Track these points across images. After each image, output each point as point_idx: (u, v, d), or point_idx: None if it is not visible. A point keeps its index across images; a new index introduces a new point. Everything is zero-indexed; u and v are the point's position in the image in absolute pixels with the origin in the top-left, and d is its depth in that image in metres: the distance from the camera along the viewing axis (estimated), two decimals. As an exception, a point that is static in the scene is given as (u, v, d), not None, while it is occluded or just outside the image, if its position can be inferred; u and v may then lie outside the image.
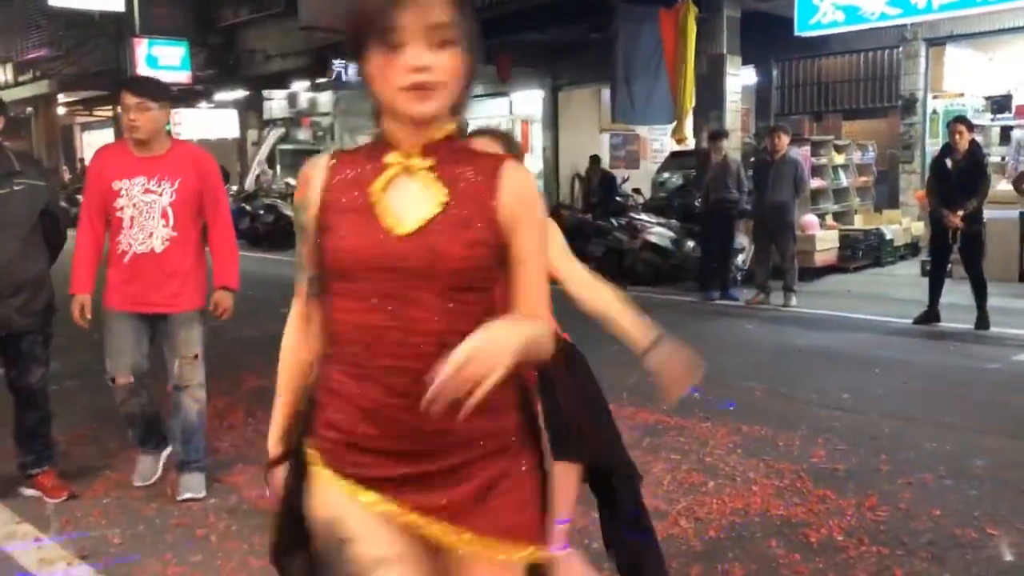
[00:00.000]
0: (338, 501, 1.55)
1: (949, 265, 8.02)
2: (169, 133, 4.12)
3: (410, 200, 1.49)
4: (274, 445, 1.76)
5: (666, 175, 15.48)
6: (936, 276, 7.77)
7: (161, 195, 3.83)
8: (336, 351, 1.55)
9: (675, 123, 11.62)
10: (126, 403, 3.99)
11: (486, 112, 20.23)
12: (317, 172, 1.55)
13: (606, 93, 13.98)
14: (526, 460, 1.59)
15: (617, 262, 11.20)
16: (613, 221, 11.47)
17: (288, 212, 17.19)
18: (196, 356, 4.07)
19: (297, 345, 1.71)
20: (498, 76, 15.97)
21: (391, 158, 1.51)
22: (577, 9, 12.58)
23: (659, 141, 18.71)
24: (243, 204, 18.26)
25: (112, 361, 3.92)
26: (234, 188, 20.50)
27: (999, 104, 12.66)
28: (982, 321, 7.46)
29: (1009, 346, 6.92)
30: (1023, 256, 10.01)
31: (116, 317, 3.91)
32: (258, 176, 20.47)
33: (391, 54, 1.42)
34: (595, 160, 15.38)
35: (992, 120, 12.72)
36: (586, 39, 14.63)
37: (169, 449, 4.19)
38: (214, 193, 4.01)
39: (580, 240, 11.63)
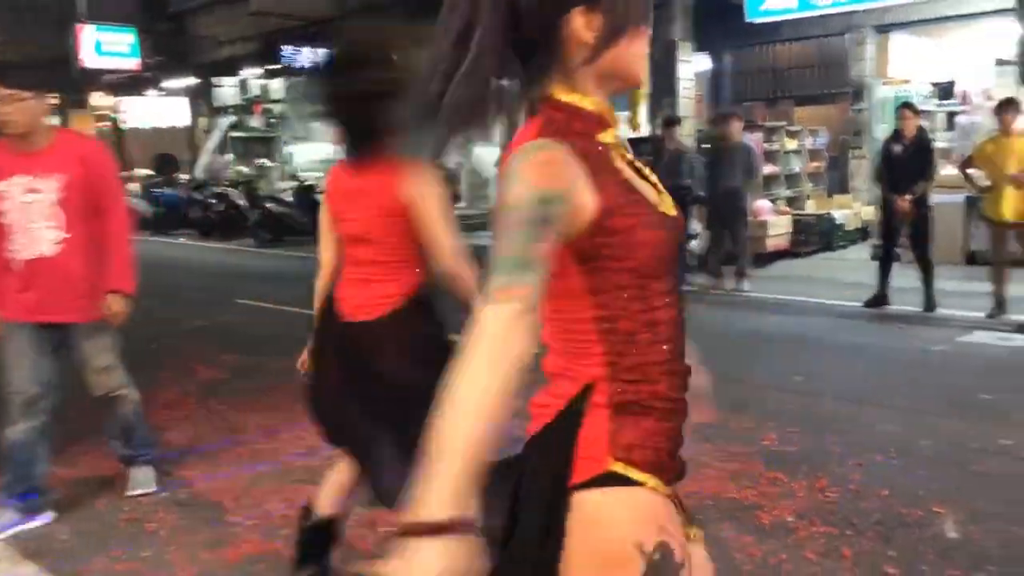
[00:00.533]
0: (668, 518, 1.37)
1: (898, 249, 8.16)
2: (61, 125, 3.76)
3: (645, 177, 1.41)
4: (442, 505, 1.10)
5: (621, 162, 15.55)
6: (886, 260, 7.91)
7: (45, 194, 3.49)
8: (647, 360, 1.37)
9: (629, 109, 11.64)
10: (19, 422, 3.57)
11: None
12: (567, 160, 1.26)
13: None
14: None
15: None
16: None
17: (240, 201, 16.96)
18: (107, 367, 3.74)
19: (508, 369, 1.16)
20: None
21: (606, 136, 1.37)
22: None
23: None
24: (194, 193, 17.95)
25: (10, 375, 3.58)
26: (184, 177, 20.16)
27: (944, 90, 12.90)
28: (929, 303, 7.62)
29: (955, 327, 7.07)
30: (968, 239, 10.23)
31: (12, 328, 3.56)
32: (208, 164, 20.14)
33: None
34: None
35: (938, 106, 12.96)
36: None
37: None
38: (105, 187, 3.64)
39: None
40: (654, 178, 1.43)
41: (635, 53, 1.38)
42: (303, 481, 4.01)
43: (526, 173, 1.23)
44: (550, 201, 1.21)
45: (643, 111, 11.62)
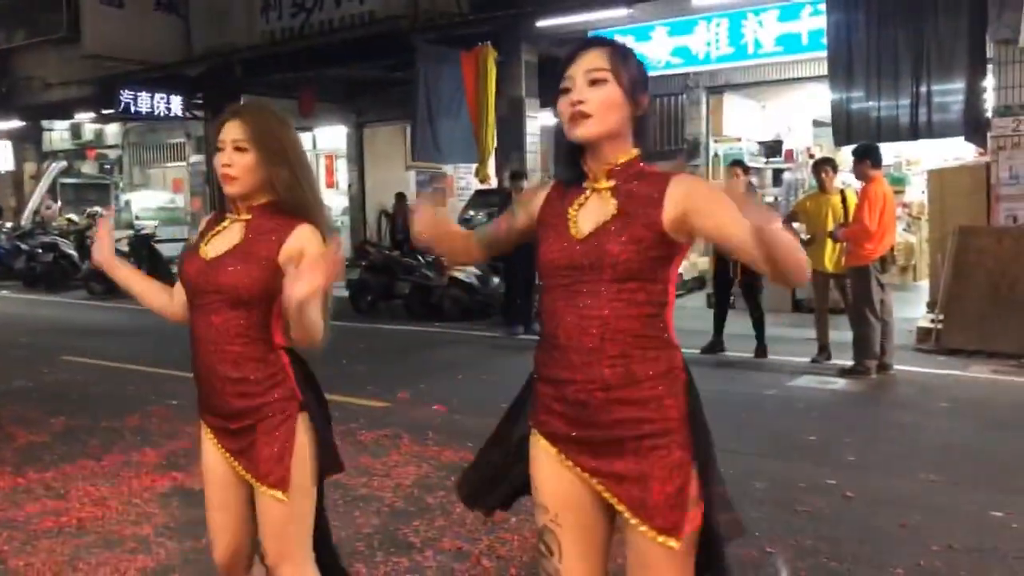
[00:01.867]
0: (533, 450, 2.02)
1: (732, 298, 8.61)
2: None
3: (592, 214, 1.92)
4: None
5: (472, 212, 15.69)
6: (720, 309, 8.32)
7: None
8: (543, 334, 1.99)
9: (478, 162, 11.85)
10: None
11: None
12: (540, 192, 2.08)
13: (411, 130, 14.08)
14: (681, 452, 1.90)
15: (425, 299, 11.23)
16: (420, 258, 11.49)
17: (70, 251, 16.00)
18: None
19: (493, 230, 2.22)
20: (300, 111, 15.69)
21: (587, 184, 1.96)
22: (380, 47, 12.61)
23: (465, 179, 18.99)
24: (18, 242, 16.82)
25: None
26: (8, 225, 18.88)
27: (771, 148, 13.83)
28: (761, 350, 8.06)
29: (785, 372, 7.49)
30: (796, 288, 10.90)
31: None
32: (36, 212, 18.94)
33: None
34: (401, 197, 15.40)
35: (766, 163, 13.87)
36: (390, 76, 14.68)
37: None
38: None
39: (387, 278, 11.58)
40: (607, 208, 1.91)
41: (564, 127, 1.95)
42: (133, 551, 3.77)
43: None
44: (514, 202, 2.19)
45: (492, 164, 11.88)
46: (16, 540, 3.93)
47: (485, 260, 2.10)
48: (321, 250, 2.15)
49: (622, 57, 1.92)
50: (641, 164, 1.96)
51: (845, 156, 12.16)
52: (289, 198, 2.28)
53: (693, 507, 1.90)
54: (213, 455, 2.39)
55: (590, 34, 11.05)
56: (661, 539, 1.87)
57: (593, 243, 1.89)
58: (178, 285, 2.42)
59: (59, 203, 19.94)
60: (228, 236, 2.31)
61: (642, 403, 1.88)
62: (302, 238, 2.24)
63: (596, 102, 1.89)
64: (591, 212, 1.93)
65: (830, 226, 7.63)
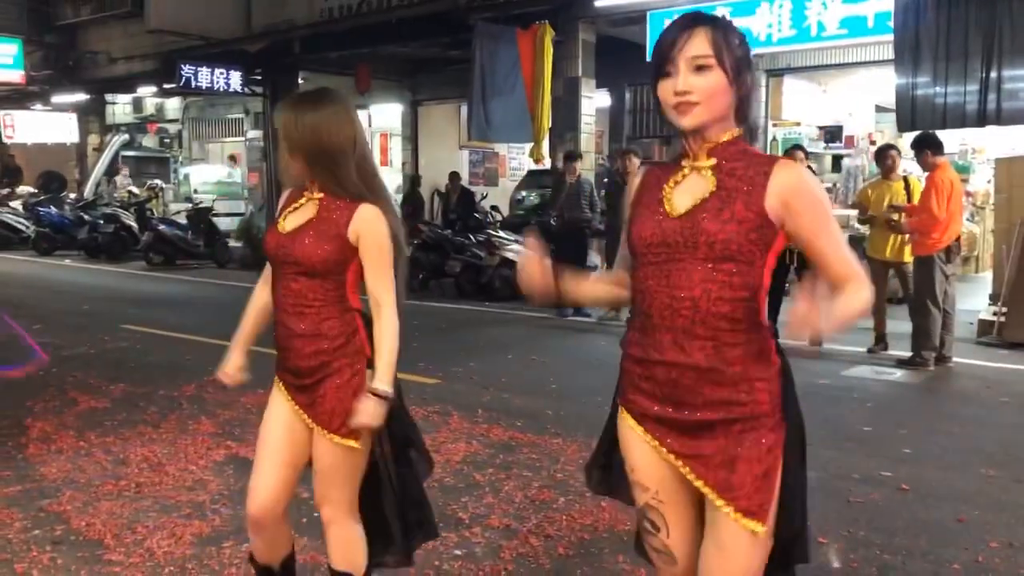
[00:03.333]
0: (622, 429, 2.03)
1: (787, 285, 8.46)
2: None
3: (690, 191, 1.89)
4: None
5: (524, 193, 15.70)
6: (774, 295, 8.19)
7: None
8: (634, 315, 1.99)
9: (532, 142, 11.80)
10: None
11: (344, 124, 19.93)
12: (634, 180, 2.06)
13: (466, 109, 14.08)
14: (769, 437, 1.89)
15: (475, 278, 11.26)
16: (472, 238, 11.52)
17: (130, 223, 16.35)
18: None
19: None
20: (356, 88, 15.77)
21: (685, 163, 1.94)
22: (437, 25, 12.61)
23: (517, 159, 18.97)
24: (81, 213, 17.25)
25: None
26: (72, 196, 19.37)
27: (831, 133, 13.55)
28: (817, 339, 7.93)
29: (840, 362, 7.36)
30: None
31: None
32: (98, 183, 19.40)
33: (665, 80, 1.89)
34: (455, 176, 15.42)
35: (825, 148, 13.59)
36: (446, 55, 14.68)
37: None
38: None
39: (439, 256, 11.63)
40: (708, 187, 1.89)
41: (662, 102, 1.90)
42: (189, 516, 3.86)
43: None
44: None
45: (546, 144, 11.81)
46: (78, 500, 4.05)
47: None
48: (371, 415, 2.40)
49: (725, 38, 1.86)
50: (744, 144, 1.92)
51: (908, 142, 11.90)
52: (337, 177, 2.44)
53: (776, 498, 1.89)
54: (280, 403, 2.55)
55: (649, 21, 10.93)
56: (745, 521, 1.86)
57: (689, 220, 1.86)
58: (267, 267, 2.62)
59: (121, 175, 20.37)
60: (303, 212, 2.50)
61: (733, 385, 1.87)
62: (364, 218, 2.43)
63: (702, 90, 1.84)
64: (688, 189, 1.91)
65: (893, 215, 7.46)
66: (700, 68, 1.84)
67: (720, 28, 1.87)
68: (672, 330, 1.88)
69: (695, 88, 1.84)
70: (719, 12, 10.71)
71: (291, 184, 2.55)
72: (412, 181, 16.70)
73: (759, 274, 1.88)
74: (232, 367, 2.68)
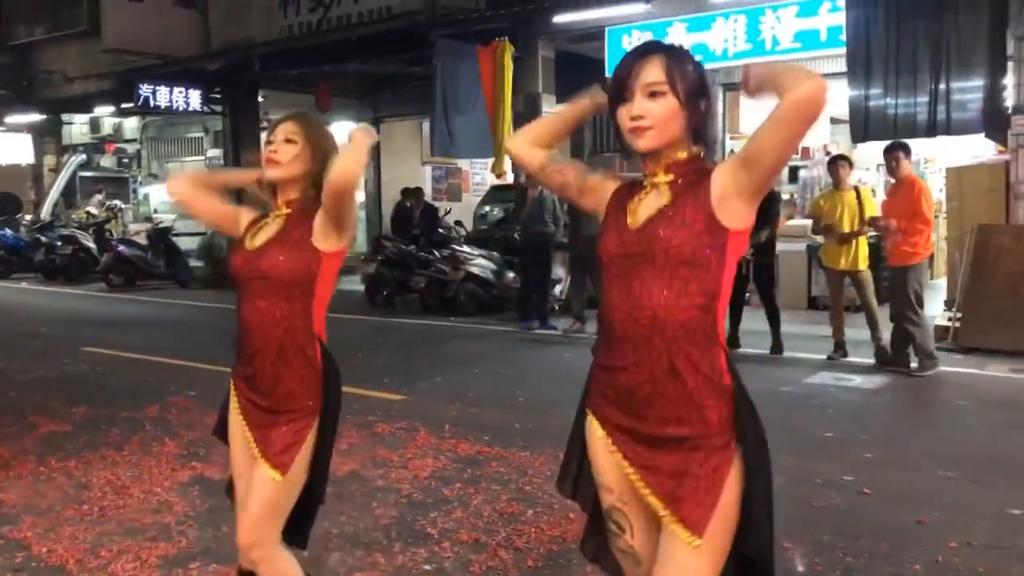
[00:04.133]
0: (589, 435, 2.07)
1: (748, 295, 8.60)
2: None
3: (650, 205, 1.97)
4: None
5: (487, 208, 15.74)
6: (735, 304, 8.30)
7: None
8: (601, 324, 2.04)
9: (494, 158, 11.86)
10: None
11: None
12: (611, 184, 2.13)
13: (427, 126, 14.11)
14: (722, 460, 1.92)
15: (440, 294, 11.26)
16: (436, 253, 11.53)
17: (89, 244, 16.14)
18: None
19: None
20: (317, 106, 15.73)
21: (646, 181, 2.02)
22: (397, 43, 12.64)
23: (480, 175, 19.02)
24: (38, 235, 16.98)
25: None
26: (28, 218, 19.05)
27: (787, 146, 13.74)
28: (776, 347, 8.05)
29: (801, 369, 7.47)
30: (811, 285, 10.88)
31: None
32: (55, 204, 19.11)
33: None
34: (418, 192, 15.41)
35: (783, 160, 13.79)
36: (407, 72, 14.70)
37: None
38: None
39: (403, 272, 11.62)
40: (663, 200, 1.96)
41: (620, 127, 2.00)
42: (154, 539, 3.82)
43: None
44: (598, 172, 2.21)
45: (508, 160, 11.87)
46: (39, 527, 3.99)
47: (535, 170, 2.19)
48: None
49: (678, 65, 1.94)
50: (702, 163, 2.00)
51: (860, 153, 12.13)
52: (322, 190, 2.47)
53: (727, 519, 1.92)
54: (234, 424, 2.57)
55: (608, 37, 11.06)
56: (681, 531, 1.90)
57: (647, 231, 1.94)
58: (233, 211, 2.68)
59: (104, 195, 20.08)
60: (269, 228, 2.53)
61: (683, 403, 1.91)
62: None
63: (655, 115, 1.93)
64: (649, 204, 1.98)
65: (845, 225, 7.59)
66: (654, 94, 1.93)
67: (674, 56, 1.96)
68: (632, 340, 1.93)
69: (648, 113, 1.93)
70: (676, 27, 10.92)
71: (272, 180, 2.54)
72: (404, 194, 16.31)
73: (717, 280, 1.92)
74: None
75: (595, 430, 2.06)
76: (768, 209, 8.16)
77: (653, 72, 1.93)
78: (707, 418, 1.91)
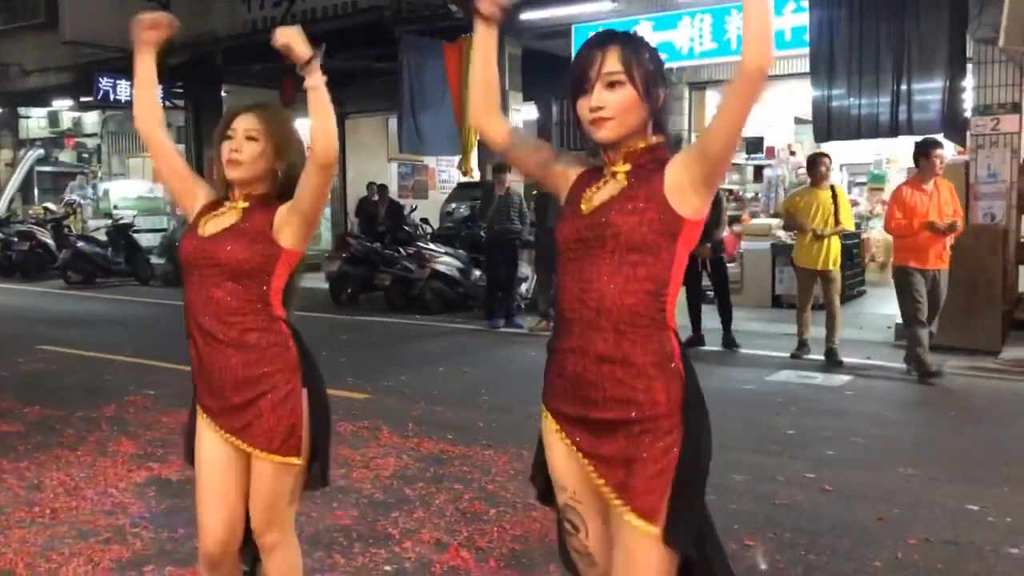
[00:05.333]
0: (543, 430, 2.08)
1: (710, 294, 8.63)
2: None
3: (606, 192, 1.97)
4: None
5: (453, 205, 15.70)
6: (694, 303, 8.33)
7: None
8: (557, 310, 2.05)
9: (461, 155, 11.81)
10: None
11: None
12: (580, 164, 2.11)
13: (394, 122, 14.01)
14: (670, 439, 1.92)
15: (405, 292, 11.18)
16: (401, 251, 11.45)
17: (47, 240, 15.84)
18: None
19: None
20: (281, 100, 15.54)
21: (606, 170, 2.01)
22: (363, 38, 12.53)
23: (447, 172, 18.97)
24: (-6, 230, 16.62)
25: None
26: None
27: (752, 144, 13.86)
28: (729, 341, 8.14)
29: (764, 367, 7.52)
30: (775, 283, 10.96)
31: None
32: (11, 200, 18.73)
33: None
34: (383, 189, 15.32)
35: (747, 159, 13.91)
36: (372, 67, 14.59)
37: None
38: None
39: (368, 270, 11.53)
40: (619, 188, 1.96)
41: (581, 119, 1.99)
42: (108, 541, 3.73)
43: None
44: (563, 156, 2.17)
45: (475, 157, 11.83)
46: (-11, 530, 3.88)
47: (503, 147, 2.17)
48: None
49: (635, 54, 1.94)
50: (662, 152, 1.99)
51: (834, 152, 12.23)
52: (286, 187, 2.39)
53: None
54: (211, 441, 2.42)
55: (574, 34, 11.06)
56: (638, 522, 1.89)
57: (599, 216, 1.94)
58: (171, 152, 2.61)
59: (36, 191, 19.72)
60: (225, 218, 2.42)
61: (631, 384, 1.89)
62: (283, 205, 2.39)
63: (614, 105, 1.93)
64: (605, 192, 1.99)
65: (820, 223, 7.58)
66: (612, 84, 1.92)
67: (631, 45, 1.95)
68: (579, 322, 1.94)
69: (608, 103, 1.93)
70: (642, 26, 10.93)
71: (234, 181, 2.41)
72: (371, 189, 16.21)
73: (667, 267, 1.92)
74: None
75: (549, 425, 2.05)
76: (718, 209, 8.21)
77: (611, 62, 1.93)
78: (656, 399, 1.89)
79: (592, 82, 1.94)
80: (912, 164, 7.83)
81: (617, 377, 1.90)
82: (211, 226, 2.42)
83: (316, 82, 2.27)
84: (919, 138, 7.51)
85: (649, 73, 1.94)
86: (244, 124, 2.39)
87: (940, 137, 9.08)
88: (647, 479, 1.89)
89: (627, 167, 1.98)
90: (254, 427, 2.35)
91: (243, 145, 2.36)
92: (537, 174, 2.19)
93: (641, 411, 1.89)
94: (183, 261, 2.43)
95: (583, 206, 1.99)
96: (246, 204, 2.41)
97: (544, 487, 2.15)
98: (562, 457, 2.02)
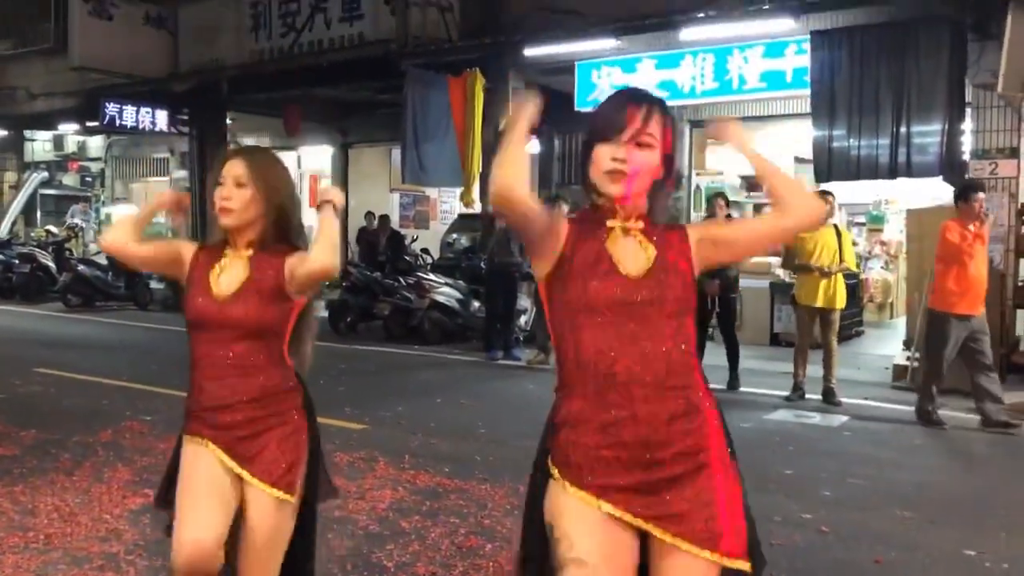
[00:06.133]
0: (564, 505, 1.93)
1: (711, 330, 8.64)
2: None
3: (633, 251, 1.98)
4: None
5: (454, 236, 15.74)
6: (699, 340, 8.31)
7: None
8: (570, 379, 1.96)
9: (463, 187, 11.88)
10: None
11: (273, 166, 19.77)
12: (563, 222, 2.03)
13: (397, 153, 14.11)
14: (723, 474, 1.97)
15: (404, 321, 11.19)
16: (401, 280, 11.48)
17: (47, 262, 15.86)
18: None
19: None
20: (285, 130, 15.69)
21: (613, 221, 2.01)
22: (368, 70, 12.66)
23: (448, 203, 19.04)
24: (-5, 252, 16.65)
25: None
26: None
27: (752, 183, 13.95)
28: (733, 382, 8.10)
29: (761, 406, 7.51)
30: (774, 321, 10.98)
31: None
32: (13, 222, 18.79)
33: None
34: (384, 219, 15.39)
35: (747, 197, 13.99)
36: (377, 99, 14.72)
37: None
38: None
39: (368, 299, 11.55)
40: (648, 250, 1.99)
41: (596, 164, 1.97)
42: (101, 568, 3.71)
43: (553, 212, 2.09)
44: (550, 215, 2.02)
45: (477, 189, 11.90)
46: (-18, 554, 3.86)
47: (514, 207, 1.96)
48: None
49: (670, 123, 1.99)
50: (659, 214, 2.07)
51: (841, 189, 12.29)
52: (280, 231, 2.47)
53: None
54: (208, 459, 2.41)
55: (577, 71, 11.17)
56: (730, 562, 1.91)
57: (653, 279, 1.95)
58: (155, 245, 2.59)
59: (38, 213, 19.77)
60: (235, 272, 2.44)
61: (700, 431, 1.95)
62: (294, 255, 2.44)
63: (639, 164, 1.94)
64: (630, 249, 1.99)
65: (825, 261, 7.59)
66: (642, 144, 1.94)
67: (666, 112, 2.00)
68: (641, 385, 1.92)
69: (634, 160, 1.94)
70: (645, 64, 11.06)
71: (227, 227, 2.45)
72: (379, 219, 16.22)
73: (691, 320, 2.03)
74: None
75: (584, 500, 1.92)
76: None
77: (649, 123, 1.95)
78: (718, 439, 1.99)
79: (622, 133, 1.93)
80: (907, 206, 7.89)
81: (686, 429, 1.93)
82: (224, 284, 2.44)
83: (330, 213, 2.42)
84: (918, 180, 7.53)
85: (672, 143, 2.00)
86: (233, 171, 2.43)
87: (938, 180, 9.16)
88: (730, 520, 1.93)
89: (640, 225, 2.01)
90: (261, 458, 2.38)
91: (233, 192, 2.41)
92: (534, 230, 2.01)
93: (710, 454, 1.95)
94: (196, 320, 2.45)
95: (621, 267, 1.96)
96: (250, 252, 2.45)
97: (541, 565, 1.99)
98: (595, 531, 1.90)
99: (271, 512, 2.39)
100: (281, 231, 2.46)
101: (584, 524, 1.91)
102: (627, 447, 1.91)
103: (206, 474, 2.40)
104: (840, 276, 7.73)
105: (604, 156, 1.94)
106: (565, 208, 9.46)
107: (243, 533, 2.41)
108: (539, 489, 2.00)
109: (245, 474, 2.38)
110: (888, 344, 10.56)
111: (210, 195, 2.45)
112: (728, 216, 8.40)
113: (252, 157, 2.48)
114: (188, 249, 2.54)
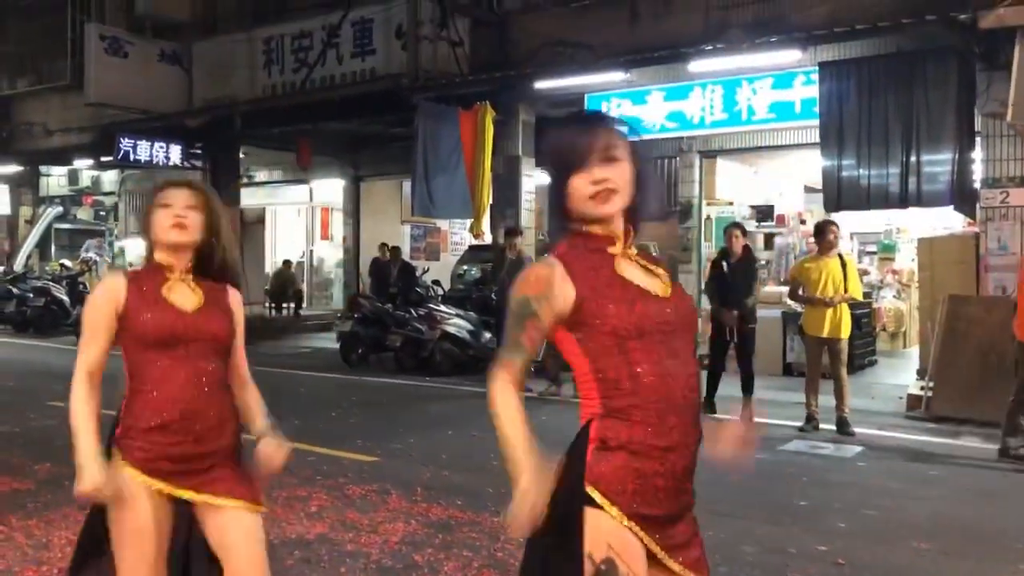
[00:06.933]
0: (619, 535, 1.82)
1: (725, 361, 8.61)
2: None
3: (644, 274, 1.96)
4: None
5: (465, 268, 15.81)
6: (714, 371, 8.30)
7: None
8: (627, 404, 1.86)
9: (473, 218, 11.95)
10: None
11: (286, 198, 19.94)
12: (551, 273, 1.91)
13: (407, 185, 14.21)
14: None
15: (415, 353, 11.21)
16: (412, 312, 11.51)
17: (61, 296, 15.97)
18: None
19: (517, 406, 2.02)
20: (298, 163, 15.82)
21: (613, 248, 1.95)
22: (380, 104, 12.79)
23: (459, 234, 19.14)
24: (10, 286, 16.80)
25: None
26: (0, 269, 18.89)
27: (763, 212, 13.98)
28: (747, 404, 8.05)
29: (775, 437, 7.45)
30: (787, 351, 10.94)
31: None
32: (28, 256, 18.97)
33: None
34: (395, 251, 15.47)
35: (758, 227, 14.01)
36: (388, 132, 14.85)
37: None
38: None
39: (379, 330, 11.57)
40: (660, 270, 1.99)
41: (576, 195, 1.92)
42: (114, 603, 3.70)
43: (521, 282, 1.94)
44: (529, 303, 1.90)
45: (487, 220, 11.97)
46: (-5, 589, 3.86)
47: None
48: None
49: (627, 133, 1.98)
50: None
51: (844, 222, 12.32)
52: (220, 261, 2.53)
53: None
54: (152, 505, 2.38)
55: (587, 103, 11.26)
56: None
57: (676, 301, 1.96)
58: (95, 366, 2.59)
59: (53, 247, 19.96)
60: (185, 292, 2.47)
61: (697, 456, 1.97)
62: (238, 300, 2.60)
63: (616, 179, 1.91)
64: (642, 274, 1.97)
65: (830, 291, 7.58)
66: (610, 160, 1.90)
67: (618, 124, 1.99)
68: (692, 406, 1.91)
69: (611, 176, 1.90)
70: (654, 96, 11.15)
71: (180, 245, 2.46)
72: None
73: None
74: (104, 480, 2.41)
75: (633, 534, 1.84)
76: (751, 277, 8.23)
77: (608, 138, 1.92)
78: None
79: (590, 157, 1.89)
80: (920, 235, 7.88)
81: (696, 460, 1.94)
82: (181, 299, 2.44)
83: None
84: (929, 209, 7.53)
85: (639, 151, 1.97)
86: (182, 198, 2.46)
87: (949, 209, 9.15)
88: (701, 546, 1.97)
89: (634, 249, 1.98)
90: (222, 481, 2.41)
91: (188, 213, 2.45)
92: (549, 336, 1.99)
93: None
94: (164, 336, 2.37)
95: (649, 289, 1.93)
96: (191, 276, 2.49)
97: None
98: (640, 564, 1.85)
99: (257, 527, 2.45)
100: (221, 267, 2.53)
101: (641, 562, 1.84)
102: (675, 477, 1.88)
103: (155, 524, 2.38)
104: (845, 306, 7.70)
105: (582, 184, 1.90)
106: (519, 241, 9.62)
107: (226, 556, 2.39)
108: (570, 518, 1.83)
109: (209, 498, 2.39)
110: (901, 373, 10.50)
111: (146, 221, 2.48)
112: (745, 247, 8.39)
113: (199, 188, 2.55)
114: (114, 284, 2.45)
